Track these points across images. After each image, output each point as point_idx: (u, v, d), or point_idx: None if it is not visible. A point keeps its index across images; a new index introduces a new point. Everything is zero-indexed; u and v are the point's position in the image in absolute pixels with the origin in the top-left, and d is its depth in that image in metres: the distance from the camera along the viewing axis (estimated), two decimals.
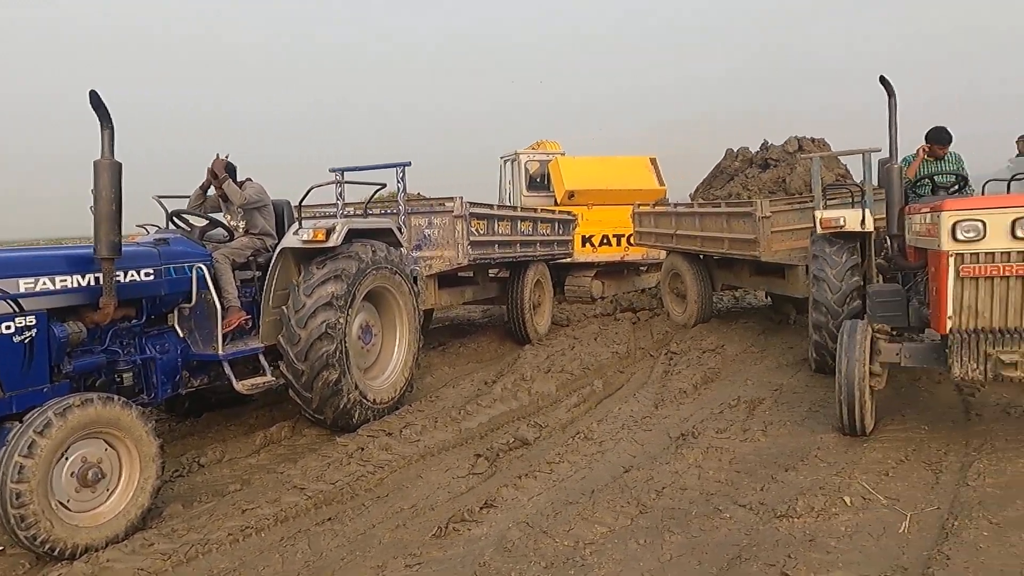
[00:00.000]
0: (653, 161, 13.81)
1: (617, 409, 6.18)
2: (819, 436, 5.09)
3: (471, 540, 3.81)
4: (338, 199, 7.81)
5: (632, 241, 12.32)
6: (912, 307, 5.61)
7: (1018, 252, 4.45)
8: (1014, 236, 4.43)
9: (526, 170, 14.00)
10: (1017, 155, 5.68)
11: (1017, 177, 6.43)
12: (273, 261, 5.67)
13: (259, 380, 5.43)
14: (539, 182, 14.00)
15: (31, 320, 4.07)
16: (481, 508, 4.13)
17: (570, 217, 11.19)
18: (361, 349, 6.07)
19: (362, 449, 5.18)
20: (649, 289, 13.43)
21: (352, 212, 7.87)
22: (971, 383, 5.80)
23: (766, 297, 11.52)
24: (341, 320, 5.52)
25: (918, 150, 6.67)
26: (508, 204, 13.45)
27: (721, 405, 6.04)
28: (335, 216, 7.55)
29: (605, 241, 13.18)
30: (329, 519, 4.15)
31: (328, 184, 7.18)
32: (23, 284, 4.08)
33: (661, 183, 13.51)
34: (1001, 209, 4.52)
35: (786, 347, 8.25)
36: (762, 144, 10.20)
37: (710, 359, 7.84)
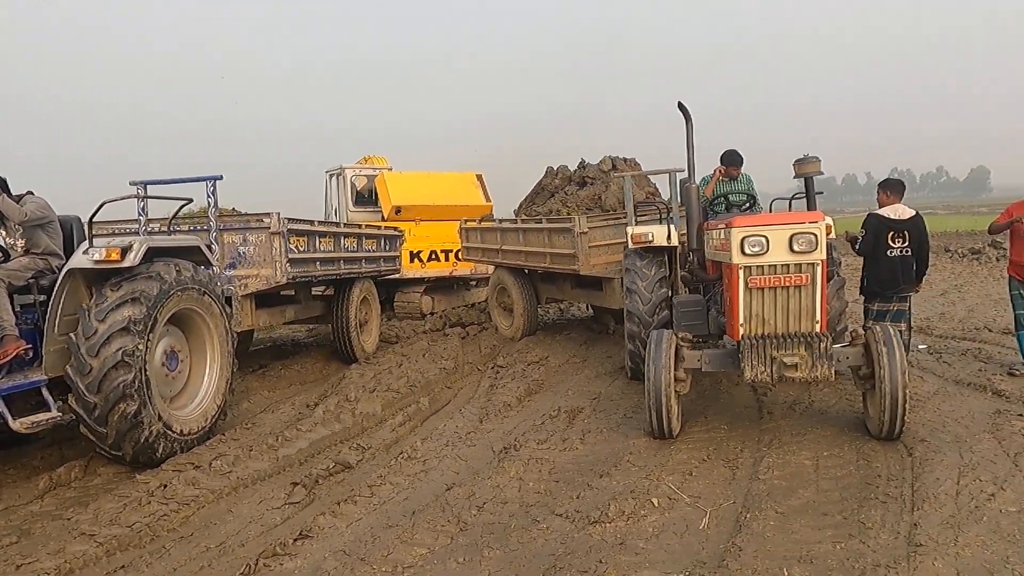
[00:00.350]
0: (479, 177, 14.06)
1: (442, 426, 6.16)
2: (632, 441, 5.35)
3: (283, 575, 3.61)
4: (140, 215, 7.22)
5: (460, 256, 12.43)
6: (711, 316, 6.07)
7: (795, 264, 4.94)
8: (791, 250, 4.92)
9: (352, 185, 13.76)
10: (794, 176, 6.33)
11: (797, 197, 7.16)
12: (59, 283, 5.14)
13: (41, 416, 4.87)
14: (366, 197, 13.80)
15: None
16: (295, 540, 3.93)
17: (397, 233, 11.09)
18: (166, 377, 5.62)
19: (165, 486, 4.78)
20: (478, 304, 13.60)
21: (157, 229, 7.32)
22: (762, 384, 6.35)
23: (588, 309, 12.02)
24: (140, 346, 5.08)
25: (715, 171, 7.25)
26: (334, 220, 13.14)
27: (543, 416, 6.19)
28: (136, 234, 6.97)
29: (433, 257, 13.21)
30: (123, 567, 3.79)
31: (125, 199, 6.61)
32: None
33: (487, 199, 13.77)
34: (781, 226, 4.99)
35: (605, 356, 8.63)
36: (580, 163, 10.68)
37: (534, 371, 8.04)
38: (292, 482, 4.86)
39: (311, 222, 8.39)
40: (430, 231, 13.12)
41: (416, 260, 13.03)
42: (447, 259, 13.32)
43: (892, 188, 6.63)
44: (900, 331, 6.06)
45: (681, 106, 5.92)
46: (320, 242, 8.40)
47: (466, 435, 5.85)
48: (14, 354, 4.81)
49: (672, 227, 7.11)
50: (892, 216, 6.45)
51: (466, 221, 11.89)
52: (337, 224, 10.24)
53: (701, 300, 6.22)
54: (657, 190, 10.28)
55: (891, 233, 6.40)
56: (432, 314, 12.78)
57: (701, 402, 6.35)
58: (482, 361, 9.09)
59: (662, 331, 5.45)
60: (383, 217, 13.05)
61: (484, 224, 11.40)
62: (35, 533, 4.24)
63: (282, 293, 8.97)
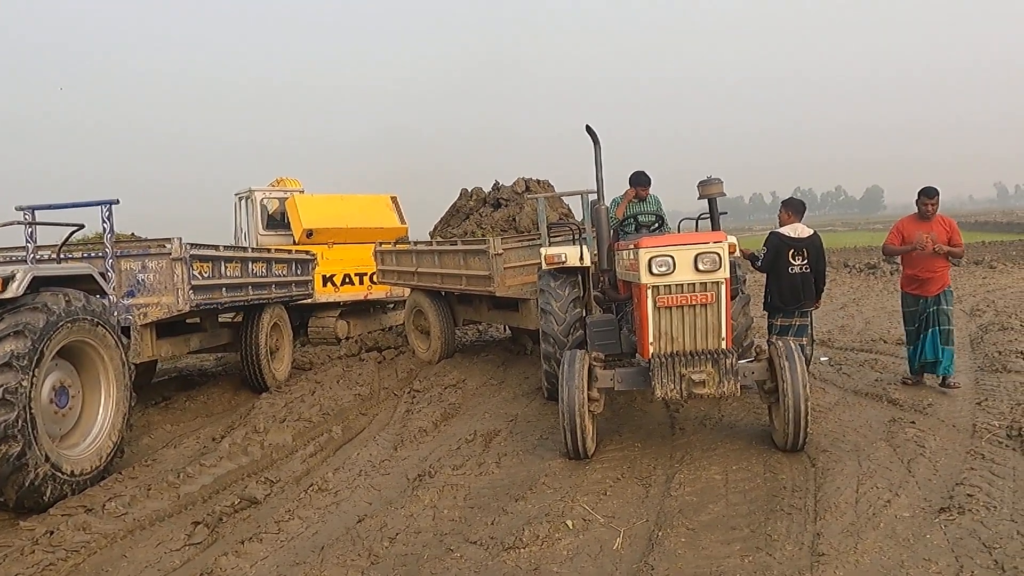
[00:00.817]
0: (394, 199, 13.93)
1: (356, 455, 6.00)
2: (548, 463, 5.33)
3: None
4: (28, 242, 6.81)
5: (375, 279, 12.25)
6: (623, 335, 6.15)
7: (700, 283, 5.06)
8: (697, 269, 5.04)
9: (263, 208, 13.41)
10: (698, 197, 6.52)
11: (704, 216, 7.37)
12: None
13: None
14: (278, 220, 13.46)
15: None
16: None
17: (309, 256, 10.83)
18: (54, 414, 5.26)
19: (52, 532, 4.45)
20: (395, 327, 13.42)
21: (47, 256, 6.90)
22: (673, 401, 6.46)
23: (506, 330, 12.02)
24: (24, 383, 4.74)
25: (626, 192, 7.39)
26: (243, 244, 12.75)
27: (459, 441, 6.12)
28: (22, 262, 6.55)
29: (348, 280, 12.97)
30: None
31: (11, 224, 6.22)
32: None
33: (402, 221, 13.65)
34: (686, 246, 5.12)
35: (523, 377, 8.63)
36: (494, 184, 10.71)
37: (451, 394, 7.95)
38: (193, 521, 4.63)
39: (216, 247, 8.08)
40: (344, 254, 12.89)
41: (329, 284, 12.76)
42: (362, 282, 13.10)
43: (793, 208, 6.91)
44: (802, 345, 6.29)
45: (589, 129, 6.02)
46: (226, 267, 8.11)
47: (380, 463, 5.71)
48: None
49: (584, 248, 7.19)
50: (792, 235, 6.71)
51: (381, 244, 11.74)
52: (245, 249, 9.93)
53: (613, 320, 6.30)
54: (570, 211, 10.41)
55: (791, 251, 6.66)
56: (348, 339, 12.53)
57: (616, 420, 6.41)
58: (399, 386, 8.95)
59: (575, 351, 5.48)
60: (295, 240, 12.74)
61: (399, 247, 11.29)
62: None
63: (187, 321, 8.61)
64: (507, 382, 8.58)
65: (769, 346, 5.33)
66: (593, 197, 7.43)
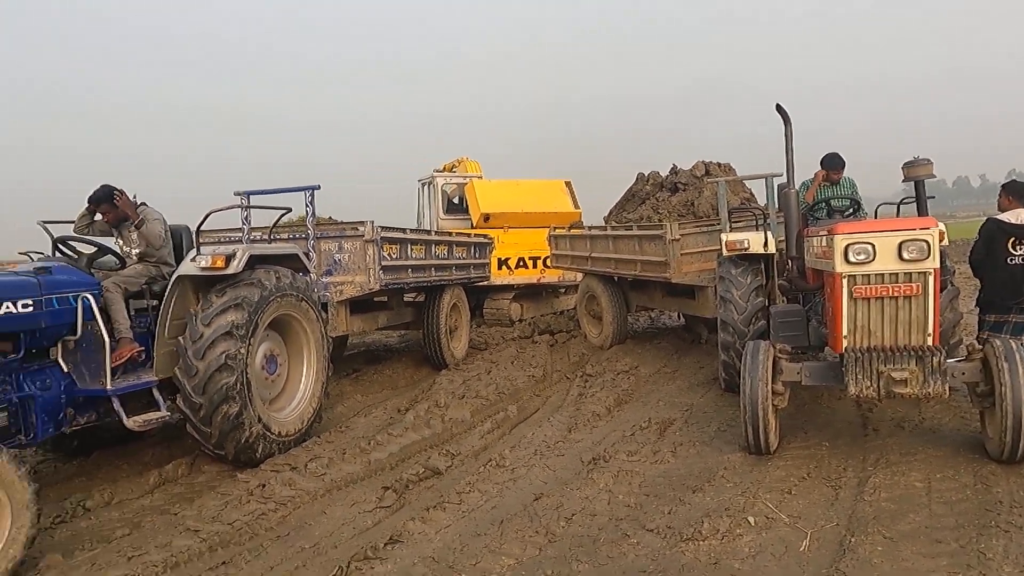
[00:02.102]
0: (568, 184, 14.00)
1: (531, 434, 6.13)
2: (726, 456, 5.16)
3: None
4: (244, 224, 7.55)
5: (548, 263, 12.40)
6: (812, 327, 5.80)
7: (905, 273, 4.65)
8: (901, 258, 4.64)
9: (443, 193, 13.96)
10: (903, 180, 5.99)
11: (906, 201, 6.76)
12: (169, 289, 5.40)
13: (152, 416, 5.13)
14: (456, 205, 13.98)
15: None
16: (386, 544, 3.98)
17: (486, 240, 11.17)
18: (265, 380, 5.83)
19: (264, 485, 4.94)
20: (567, 311, 13.53)
21: (258, 237, 7.62)
22: (867, 400, 6.01)
23: (679, 318, 11.76)
24: (242, 350, 5.29)
25: (816, 175, 6.94)
26: (425, 228, 13.37)
27: (633, 427, 6.07)
28: (239, 242, 7.28)
29: (521, 264, 13.22)
30: (224, 563, 3.93)
31: (231, 208, 6.92)
32: None
33: (576, 206, 13.70)
34: (889, 233, 4.72)
35: (697, 367, 8.41)
36: (671, 168, 10.47)
37: (624, 380, 7.91)
38: (383, 486, 4.94)
39: (403, 230, 8.56)
40: (518, 238, 13.14)
41: (504, 267, 13.07)
42: (535, 266, 13.32)
43: (1015, 193, 6.16)
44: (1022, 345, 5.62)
45: (779, 108, 5.70)
46: (412, 249, 8.55)
47: (554, 444, 5.80)
48: (129, 356, 5.08)
49: (769, 234, 6.85)
50: (1013, 221, 5.99)
51: (555, 228, 11.86)
52: (428, 232, 10.40)
53: (800, 310, 5.96)
54: (753, 195, 9.96)
55: (1011, 240, 5.94)
56: (520, 321, 12.79)
57: (800, 416, 6.07)
58: (571, 369, 9.03)
59: (759, 342, 5.24)
60: (472, 224, 13.18)
61: (573, 231, 11.34)
62: (145, 527, 4.47)
63: (375, 299, 9.17)
64: (681, 371, 8.39)
65: (985, 344, 4.80)
66: (780, 180, 7.04)
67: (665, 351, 9.50)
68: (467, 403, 7.07)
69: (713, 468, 4.94)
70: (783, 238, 6.47)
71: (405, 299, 9.79)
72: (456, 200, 14.04)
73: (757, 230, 7.19)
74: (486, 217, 12.96)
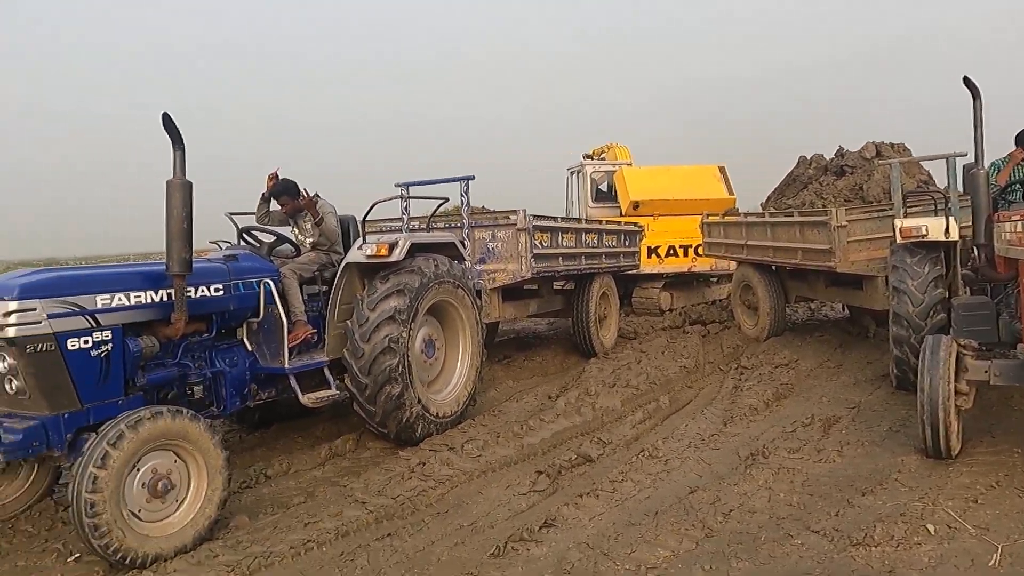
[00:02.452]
0: (722, 170, 13.52)
1: (684, 426, 6.00)
2: (900, 458, 4.81)
3: (530, 560, 3.74)
4: (403, 214, 7.90)
5: (700, 252, 12.05)
6: (1003, 321, 5.26)
7: None
8: None
9: (592, 181, 13.90)
10: None
11: None
12: (338, 276, 5.75)
13: (324, 393, 5.50)
14: (605, 193, 13.88)
15: (107, 335, 4.22)
16: (541, 527, 4.05)
17: (636, 228, 11.02)
18: (424, 363, 6.08)
19: (424, 464, 5.18)
20: (719, 301, 13.11)
21: (416, 226, 7.94)
22: None
23: (843, 309, 11.08)
24: (404, 334, 5.55)
25: (1011, 155, 6.28)
26: (574, 216, 13.39)
27: (794, 423, 5.80)
28: (400, 231, 7.63)
29: (672, 252, 12.93)
30: (389, 534, 4.15)
31: (392, 199, 7.26)
32: (100, 300, 4.24)
33: (730, 192, 13.20)
34: None
35: (864, 362, 7.89)
36: (837, 150, 9.81)
37: (783, 374, 7.56)
38: (536, 470, 5.02)
39: (554, 219, 8.62)
40: (669, 226, 12.86)
41: (654, 255, 12.85)
42: (686, 255, 12.99)
43: None
44: None
45: (967, 81, 5.20)
46: (563, 238, 8.60)
47: (709, 437, 5.65)
48: (303, 337, 5.47)
49: (951, 219, 6.29)
50: None
51: (708, 215, 11.50)
52: (579, 220, 10.41)
53: (989, 303, 5.42)
54: (931, 178, 9.15)
55: None
56: (671, 311, 12.54)
57: (985, 419, 5.55)
58: (724, 361, 8.74)
59: (939, 337, 4.83)
60: (621, 212, 13.04)
61: (728, 218, 10.95)
62: (318, 496, 4.81)
63: (526, 287, 9.31)
64: (846, 366, 7.90)
65: None
66: (964, 160, 6.44)
67: (827, 344, 8.98)
68: (617, 392, 7.03)
69: (885, 470, 4.62)
70: (966, 223, 5.91)
71: (555, 287, 9.87)
72: (605, 188, 13.96)
73: (936, 215, 6.62)
74: (635, 205, 12.79)
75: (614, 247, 10.08)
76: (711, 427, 5.94)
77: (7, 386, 4.00)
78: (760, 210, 10.89)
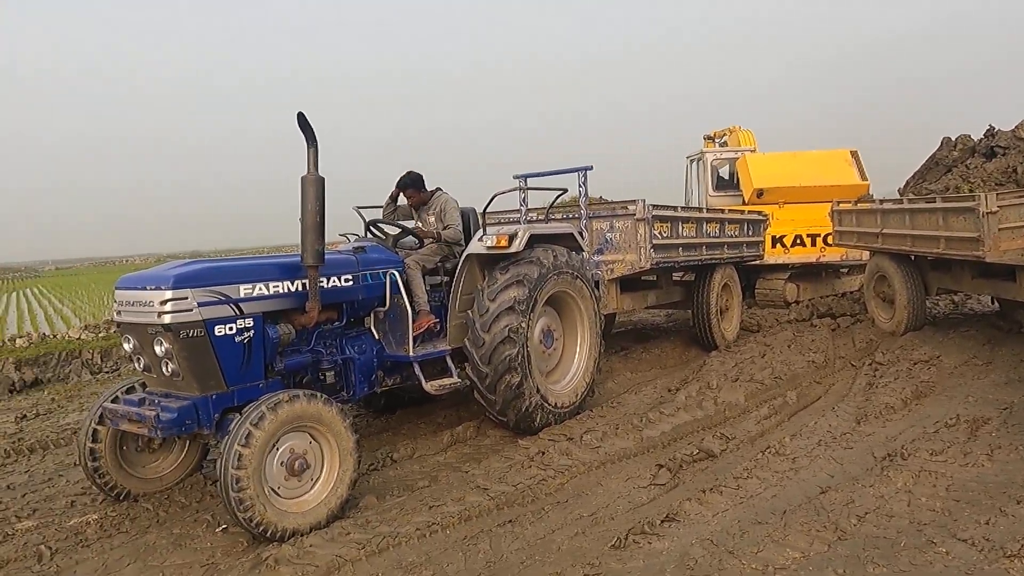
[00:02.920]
0: (854, 154, 12.79)
1: (813, 423, 5.74)
2: None
3: (651, 554, 3.69)
4: (521, 205, 7.96)
5: (830, 241, 11.46)
6: None
7: None
8: None
9: (713, 169, 13.50)
10: None
11: None
12: (459, 266, 5.88)
13: (446, 381, 5.65)
14: (727, 180, 13.46)
15: (249, 322, 4.51)
16: (663, 521, 3.99)
17: (761, 217, 10.62)
18: (542, 353, 6.13)
19: (543, 453, 5.22)
20: (850, 293, 12.43)
21: (535, 218, 7.99)
22: None
23: (992, 303, 10.23)
24: (523, 324, 5.60)
25: None
26: (693, 205, 13.06)
27: (936, 424, 5.42)
28: (518, 222, 7.70)
29: (798, 241, 12.37)
30: (510, 521, 4.22)
31: (511, 191, 7.33)
32: (243, 290, 4.53)
33: (863, 178, 12.47)
34: None
35: (1017, 360, 7.24)
36: (987, 130, 9.03)
37: (923, 371, 7.08)
38: (657, 464, 4.96)
39: (674, 208, 8.44)
40: (795, 214, 12.31)
41: (779, 245, 12.34)
42: (814, 244, 12.39)
43: None
44: None
45: None
46: (683, 228, 8.41)
47: (841, 436, 5.38)
48: (426, 327, 5.64)
49: None
50: None
51: (839, 203, 10.91)
52: (700, 209, 10.14)
53: None
54: None
55: None
56: (797, 303, 12.02)
57: None
58: (856, 356, 8.28)
59: None
60: (744, 201, 12.60)
61: (861, 205, 10.34)
62: (441, 481, 4.95)
63: (643, 278, 9.18)
64: (996, 363, 7.30)
65: None
66: None
67: (974, 340, 8.32)
68: (741, 386, 6.82)
69: None
70: None
71: (674, 278, 9.67)
72: (726, 175, 13.53)
73: None
74: (759, 192, 12.31)
75: (737, 237, 9.76)
76: (843, 425, 5.65)
77: (164, 368, 4.36)
78: (898, 196, 10.22)
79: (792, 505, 4.14)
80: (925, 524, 3.81)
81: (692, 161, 14.02)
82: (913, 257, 9.14)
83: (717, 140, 14.56)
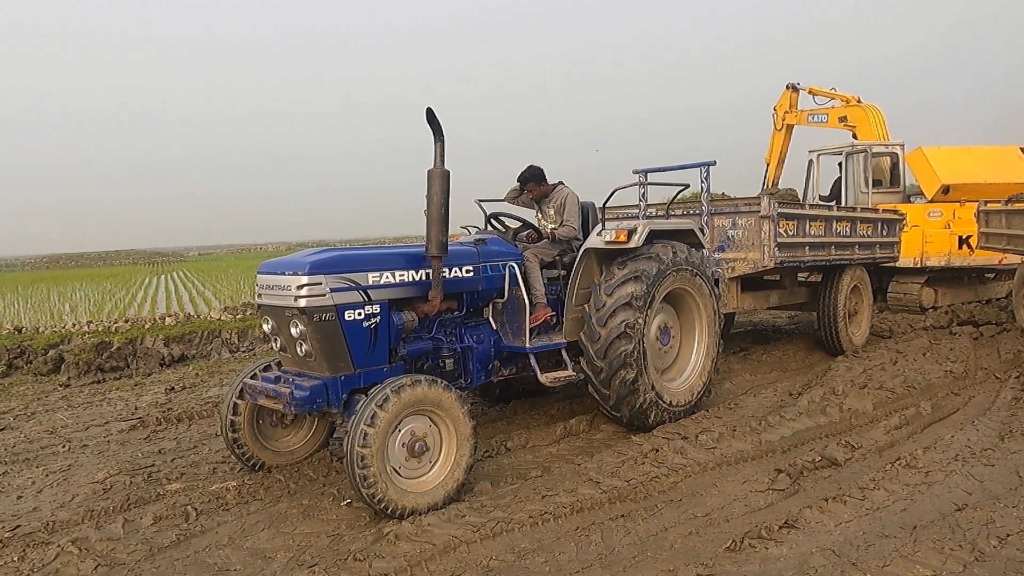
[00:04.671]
0: None
1: (949, 436, 5.39)
2: None
3: (768, 559, 3.60)
4: (641, 200, 7.89)
5: (975, 244, 10.65)
6: None
7: None
8: None
9: (875, 164, 12.41)
10: None
11: None
12: (577, 260, 5.90)
13: (561, 374, 5.70)
14: (883, 177, 12.47)
15: (376, 309, 4.73)
16: (780, 527, 3.88)
17: (897, 216, 10.01)
18: (659, 350, 6.06)
19: (657, 450, 5.18)
20: (997, 300, 11.52)
21: (655, 213, 7.89)
22: None
23: None
24: (640, 320, 5.57)
25: None
26: (824, 203, 12.39)
27: None
28: (637, 217, 7.63)
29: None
30: (622, 516, 4.22)
31: (631, 186, 7.28)
32: (371, 277, 4.75)
33: None
34: None
35: None
36: None
37: None
38: (776, 468, 4.81)
39: (802, 205, 8.12)
40: (964, 213, 11.38)
41: (965, 246, 11.30)
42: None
43: None
44: None
45: None
46: (810, 226, 8.07)
47: (981, 452, 5.03)
48: (543, 319, 5.70)
49: None
50: None
51: (986, 202, 10.13)
52: (830, 207, 9.67)
53: None
54: None
55: None
56: (934, 308, 11.25)
57: None
58: (1002, 368, 7.69)
59: None
60: (927, 199, 11.76)
61: (1013, 205, 9.55)
62: (553, 472, 5.01)
63: (766, 278, 8.88)
64: None
65: None
66: None
67: None
68: (869, 394, 6.48)
69: None
70: None
71: (799, 278, 9.30)
72: (879, 174, 12.47)
73: None
74: (945, 189, 11.46)
75: (869, 236, 9.26)
76: (984, 440, 5.28)
77: (298, 349, 4.65)
78: None
79: (924, 521, 3.93)
80: None
81: (847, 156, 12.66)
82: None
83: (817, 100, 13.42)
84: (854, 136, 13.41)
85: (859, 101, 13.60)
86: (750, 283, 8.33)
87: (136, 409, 7.52)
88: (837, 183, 12.93)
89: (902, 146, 12.56)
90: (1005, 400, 6.38)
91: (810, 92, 14.11)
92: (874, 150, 12.53)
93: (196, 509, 4.52)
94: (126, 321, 13.22)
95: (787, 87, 14.38)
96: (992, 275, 12.27)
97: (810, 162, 13.39)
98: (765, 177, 14.87)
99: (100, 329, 12.02)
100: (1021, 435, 5.33)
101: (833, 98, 14.02)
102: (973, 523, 3.84)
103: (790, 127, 14.67)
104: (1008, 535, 3.70)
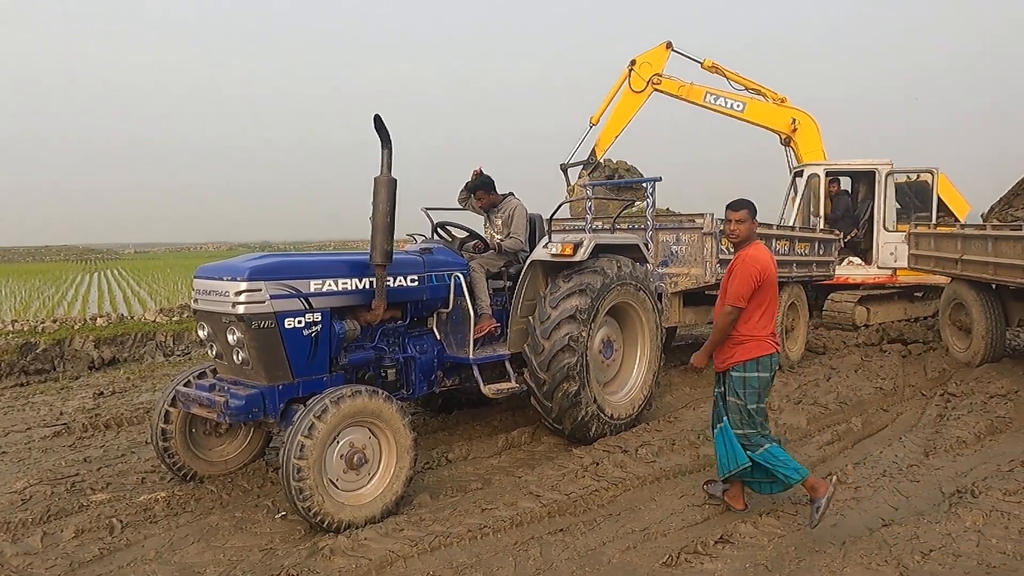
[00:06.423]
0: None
1: (878, 453, 5.56)
2: None
3: (703, 574, 3.65)
4: (587, 213, 7.96)
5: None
6: None
7: None
8: None
9: (897, 188, 11.92)
10: None
11: None
12: (523, 272, 5.91)
13: (504, 386, 5.68)
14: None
15: (318, 317, 4.64)
16: (716, 542, 3.94)
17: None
18: (601, 363, 6.10)
19: (597, 463, 5.21)
20: (924, 319, 11.98)
21: (601, 227, 7.96)
22: None
23: None
24: (583, 333, 5.60)
25: None
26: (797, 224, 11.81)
27: (1011, 462, 5.20)
28: (584, 230, 7.69)
29: None
30: (561, 530, 4.22)
31: (578, 200, 7.34)
32: (313, 284, 4.66)
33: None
34: None
35: None
36: None
37: (999, 405, 6.78)
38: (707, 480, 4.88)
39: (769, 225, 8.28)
40: None
41: None
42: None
43: None
44: None
45: None
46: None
47: (907, 468, 5.20)
48: (487, 330, 5.69)
49: None
50: None
51: (916, 225, 10.55)
52: (771, 226, 9.90)
53: None
54: None
55: None
56: (866, 326, 11.64)
57: None
58: (928, 385, 7.99)
59: None
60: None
61: (940, 229, 9.97)
62: (494, 484, 4.98)
63: (707, 293, 9.04)
64: None
65: None
66: None
67: None
68: (803, 410, 6.66)
69: None
70: None
71: None
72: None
73: None
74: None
75: (806, 255, 9.53)
76: (910, 457, 5.46)
77: (235, 356, 4.52)
78: (980, 222, 9.82)
79: (852, 536, 4.03)
80: (994, 567, 3.66)
81: (885, 175, 11.35)
82: (994, 286, 8.77)
83: (733, 86, 11.32)
84: (784, 144, 12.76)
85: (784, 102, 11.93)
86: (692, 298, 8.47)
87: (61, 414, 7.22)
88: (844, 203, 12.07)
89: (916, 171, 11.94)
90: (930, 417, 6.62)
91: (712, 68, 11.41)
92: (891, 173, 11.57)
93: (121, 521, 4.35)
94: (54, 321, 12.68)
95: (665, 45, 11.36)
96: (920, 293, 12.75)
97: (811, 177, 11.78)
98: (584, 144, 10.38)
99: (25, 329, 11.51)
100: (944, 452, 5.53)
101: (758, 91, 11.96)
102: (899, 539, 3.96)
103: (657, 94, 11.20)
104: (931, 550, 3.82)
